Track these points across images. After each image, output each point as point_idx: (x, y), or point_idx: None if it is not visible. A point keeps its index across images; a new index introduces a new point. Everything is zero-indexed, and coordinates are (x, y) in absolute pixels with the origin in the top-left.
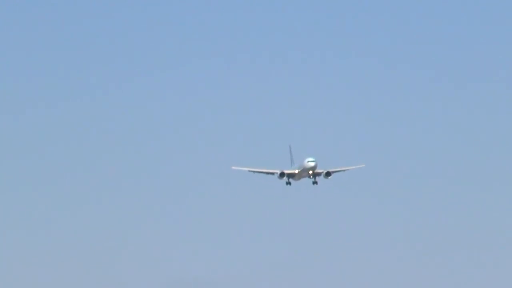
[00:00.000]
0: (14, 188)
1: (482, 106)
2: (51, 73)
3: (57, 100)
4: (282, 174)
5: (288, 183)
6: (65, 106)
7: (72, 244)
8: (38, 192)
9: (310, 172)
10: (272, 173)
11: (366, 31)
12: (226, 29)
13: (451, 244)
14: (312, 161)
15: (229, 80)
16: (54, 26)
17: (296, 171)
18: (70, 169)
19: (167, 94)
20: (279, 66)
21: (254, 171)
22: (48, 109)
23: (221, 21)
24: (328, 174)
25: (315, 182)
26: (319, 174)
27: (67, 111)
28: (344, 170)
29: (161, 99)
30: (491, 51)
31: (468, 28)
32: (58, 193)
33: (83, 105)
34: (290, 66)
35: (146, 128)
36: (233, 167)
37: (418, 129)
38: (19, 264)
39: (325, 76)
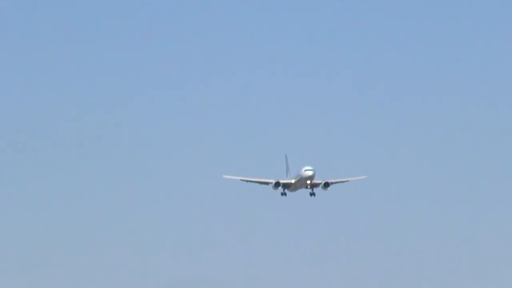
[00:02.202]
0: (14, 188)
1: (488, 117)
2: (55, 75)
3: (56, 101)
4: (277, 184)
5: (284, 194)
6: (62, 110)
7: (67, 253)
8: (37, 193)
9: (308, 182)
10: (267, 183)
11: (367, 39)
12: (219, 33)
13: (457, 258)
14: (310, 170)
15: (221, 86)
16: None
17: (293, 181)
18: (66, 174)
19: (158, 101)
20: (275, 71)
21: (247, 180)
22: (46, 111)
23: (216, 26)
24: (326, 185)
25: (312, 194)
26: (317, 185)
27: (64, 116)
28: (344, 181)
29: (152, 106)
30: (495, 55)
31: (466, 34)
32: (55, 200)
33: (80, 108)
34: (287, 71)
35: (136, 135)
36: (225, 176)
37: (422, 138)
38: (19, 264)
39: (323, 82)
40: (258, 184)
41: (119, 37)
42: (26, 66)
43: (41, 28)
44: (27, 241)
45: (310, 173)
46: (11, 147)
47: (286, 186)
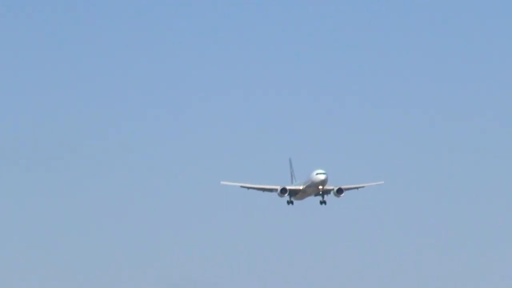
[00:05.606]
0: (16, 192)
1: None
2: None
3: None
4: (283, 190)
5: (290, 202)
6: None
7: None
8: (38, 198)
9: (320, 187)
10: (270, 190)
11: (384, 40)
12: (221, 35)
13: (480, 269)
14: (323, 174)
15: (222, 85)
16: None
17: (301, 187)
18: (68, 176)
19: (158, 104)
20: (281, 68)
21: (247, 187)
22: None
23: (218, 29)
24: (339, 191)
25: (323, 202)
26: (328, 191)
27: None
28: (358, 187)
29: (148, 110)
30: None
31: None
32: (61, 204)
33: (81, 113)
34: (293, 68)
35: (131, 139)
36: (223, 182)
37: (445, 140)
38: (18, 266)
39: (332, 80)
40: (260, 192)
41: (125, 41)
42: (26, 67)
43: (41, 29)
44: (27, 242)
45: (322, 177)
46: (11, 149)
47: (293, 193)
